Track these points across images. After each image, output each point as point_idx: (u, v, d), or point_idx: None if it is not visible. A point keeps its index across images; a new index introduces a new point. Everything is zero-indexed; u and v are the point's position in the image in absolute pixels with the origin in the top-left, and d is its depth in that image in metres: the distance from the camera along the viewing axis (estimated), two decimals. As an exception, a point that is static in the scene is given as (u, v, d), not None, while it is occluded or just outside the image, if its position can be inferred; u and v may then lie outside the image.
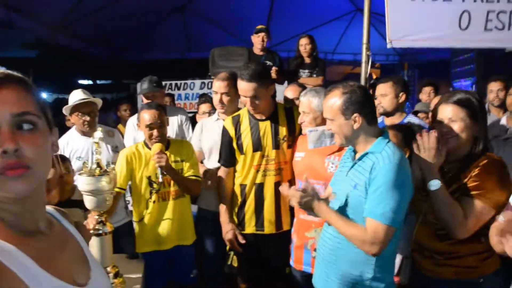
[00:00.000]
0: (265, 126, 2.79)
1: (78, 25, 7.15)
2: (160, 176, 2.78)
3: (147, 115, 2.86)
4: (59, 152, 3.24)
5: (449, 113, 2.09)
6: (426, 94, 5.36)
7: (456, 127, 2.07)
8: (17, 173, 0.85)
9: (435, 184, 2.02)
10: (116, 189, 2.86)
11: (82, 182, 2.10)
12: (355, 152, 2.10)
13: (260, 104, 2.71)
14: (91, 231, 2.18)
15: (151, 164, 2.88)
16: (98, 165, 2.15)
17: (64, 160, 3.10)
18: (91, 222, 2.20)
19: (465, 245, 2.05)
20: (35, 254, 0.88)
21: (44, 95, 17.03)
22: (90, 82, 15.35)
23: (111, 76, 11.75)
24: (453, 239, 2.05)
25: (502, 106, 4.19)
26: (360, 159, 2.01)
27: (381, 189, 1.87)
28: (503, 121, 3.38)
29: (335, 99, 2.01)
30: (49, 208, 1.08)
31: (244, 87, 2.67)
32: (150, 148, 2.90)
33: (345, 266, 2.02)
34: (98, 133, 2.20)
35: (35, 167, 0.87)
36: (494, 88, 4.20)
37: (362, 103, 1.98)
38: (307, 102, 2.63)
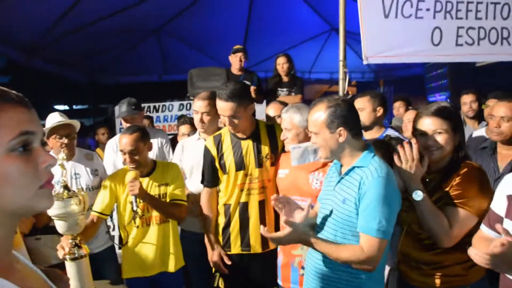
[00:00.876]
0: (247, 145, 2.77)
1: (52, 49, 7.07)
2: (134, 204, 2.70)
3: (122, 140, 2.78)
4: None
5: (432, 125, 2.13)
6: (396, 109, 5.48)
7: (440, 138, 2.11)
8: (52, 187, 0.92)
9: (418, 195, 2.04)
10: (98, 215, 2.79)
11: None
12: (341, 166, 2.11)
13: (239, 123, 2.69)
14: (67, 256, 2.11)
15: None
16: (66, 187, 2.09)
17: None
18: (65, 245, 2.13)
19: (450, 254, 2.07)
20: (22, 283, 0.86)
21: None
22: (66, 107, 15.12)
23: (88, 101, 11.60)
24: (439, 249, 2.08)
25: (476, 117, 4.32)
26: (347, 173, 2.01)
27: (373, 204, 1.87)
28: (482, 131, 3.47)
29: (320, 112, 2.01)
30: None
31: (223, 106, 2.66)
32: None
33: (336, 282, 2.01)
34: (61, 154, 2.17)
35: None
36: (467, 100, 4.36)
37: (347, 117, 1.99)
38: (289, 119, 2.63)
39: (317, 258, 2.07)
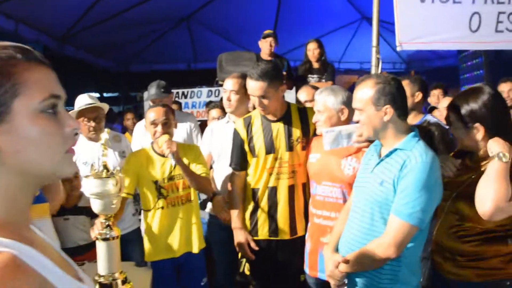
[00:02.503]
0: (278, 127, 2.71)
1: (84, 36, 7.20)
2: (172, 161, 2.66)
3: (152, 113, 2.78)
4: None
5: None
6: (435, 97, 5.28)
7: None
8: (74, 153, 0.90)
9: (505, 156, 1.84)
10: (123, 195, 2.79)
11: (88, 185, 2.05)
12: (381, 148, 2.03)
13: (269, 104, 2.63)
14: (98, 236, 2.12)
15: (158, 167, 2.80)
16: (105, 167, 2.10)
17: None
18: (98, 227, 2.15)
19: (489, 245, 1.97)
20: (48, 255, 0.84)
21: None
22: (97, 94, 15.44)
23: (118, 88, 11.79)
24: (477, 240, 1.98)
25: (516, 107, 4.14)
26: (388, 155, 1.94)
27: (411, 188, 1.80)
28: None
29: (367, 88, 1.94)
30: None
31: (253, 86, 2.60)
32: (156, 152, 2.83)
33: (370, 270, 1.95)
34: (105, 135, 2.16)
35: None
36: (505, 89, 4.20)
37: (395, 96, 1.92)
38: (322, 101, 2.55)
39: (352, 245, 2.01)
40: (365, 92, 1.95)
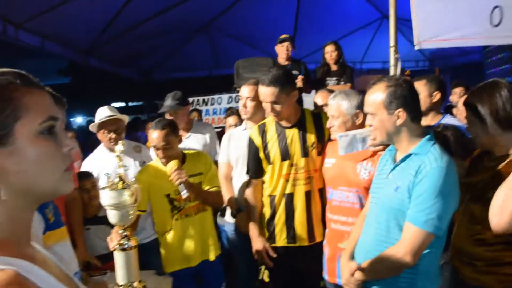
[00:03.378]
0: (292, 133, 2.70)
1: (107, 48, 7.36)
2: (183, 192, 2.68)
3: (153, 136, 2.79)
4: (87, 169, 3.27)
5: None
6: (456, 95, 5.13)
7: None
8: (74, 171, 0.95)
9: None
10: (137, 212, 2.82)
11: (104, 196, 2.09)
12: (395, 153, 2.00)
13: (282, 110, 2.62)
14: (116, 246, 2.16)
15: (167, 181, 2.79)
16: (121, 178, 2.13)
17: (88, 176, 3.12)
18: (115, 236, 2.18)
19: (507, 251, 1.89)
20: (45, 268, 0.87)
21: (79, 118, 17.62)
22: (122, 104, 15.76)
23: (142, 97, 12.02)
24: (494, 245, 1.90)
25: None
26: (403, 160, 1.90)
27: (426, 194, 1.76)
28: None
29: (379, 92, 1.91)
30: None
31: (264, 91, 2.60)
32: (165, 165, 2.85)
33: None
34: (119, 147, 2.19)
35: None
36: None
37: (407, 98, 1.88)
38: (336, 106, 2.53)
39: (368, 252, 1.97)
40: (376, 96, 1.92)
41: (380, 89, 1.91)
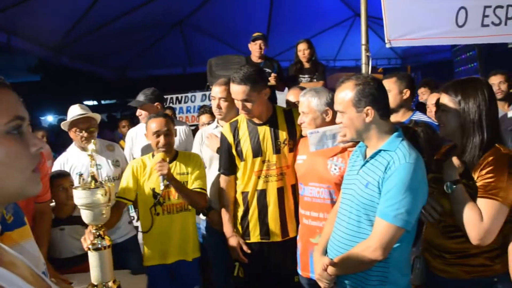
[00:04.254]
0: (264, 130, 2.73)
1: (79, 45, 7.22)
2: (161, 184, 2.72)
3: (154, 123, 2.83)
4: (59, 168, 3.23)
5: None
6: (420, 95, 5.25)
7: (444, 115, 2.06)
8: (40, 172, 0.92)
9: (454, 186, 1.93)
10: (123, 200, 2.83)
11: (77, 196, 2.08)
12: (365, 149, 2.04)
13: (253, 108, 2.64)
14: (90, 246, 2.15)
15: (155, 175, 2.83)
16: (93, 178, 2.13)
17: (66, 175, 3.08)
18: (89, 236, 2.17)
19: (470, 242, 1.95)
20: (14, 271, 0.84)
21: (50, 117, 17.23)
22: (95, 102, 15.50)
23: (115, 95, 11.85)
24: (462, 237, 1.96)
25: (506, 99, 4.15)
26: (372, 157, 1.95)
27: (395, 189, 1.80)
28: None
29: (347, 91, 1.95)
30: None
31: (235, 89, 2.62)
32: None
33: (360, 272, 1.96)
34: (91, 146, 2.19)
35: None
36: (495, 82, 4.18)
37: (375, 96, 1.92)
38: (307, 102, 2.57)
39: (339, 247, 2.01)
40: (345, 94, 1.95)
41: (349, 87, 1.95)
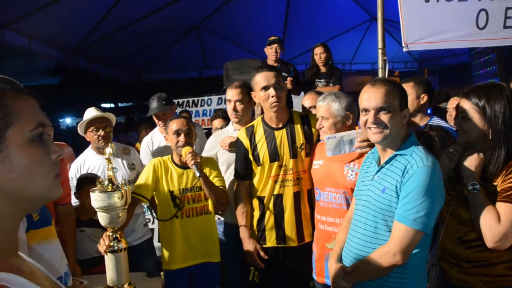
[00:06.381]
0: (281, 135, 2.72)
1: (96, 48, 7.33)
2: (197, 172, 2.69)
3: (174, 124, 2.85)
4: (75, 171, 3.26)
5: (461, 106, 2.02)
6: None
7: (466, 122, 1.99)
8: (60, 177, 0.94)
9: (475, 187, 1.90)
10: (138, 196, 2.82)
11: (94, 199, 2.09)
12: (378, 156, 2.02)
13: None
14: (107, 248, 2.16)
15: (175, 178, 2.84)
16: (111, 181, 2.14)
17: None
18: (105, 241, 2.18)
19: (492, 252, 1.91)
20: (33, 280, 0.86)
21: (68, 119, 17.47)
22: (112, 105, 15.67)
23: (132, 98, 11.96)
24: (480, 246, 1.93)
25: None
26: (388, 162, 1.93)
27: (414, 193, 1.78)
28: None
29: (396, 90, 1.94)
30: None
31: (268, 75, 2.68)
32: (176, 164, 2.86)
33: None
34: (108, 149, 2.20)
35: None
36: None
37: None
38: (327, 107, 2.55)
39: (356, 254, 1.99)
40: (393, 94, 1.92)
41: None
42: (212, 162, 3.00)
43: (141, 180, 2.86)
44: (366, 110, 1.92)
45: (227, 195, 2.89)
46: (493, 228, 1.82)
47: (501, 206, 1.84)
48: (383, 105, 1.88)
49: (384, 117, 1.88)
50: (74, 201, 3.15)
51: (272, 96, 2.62)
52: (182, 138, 2.80)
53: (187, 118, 2.95)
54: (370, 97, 1.91)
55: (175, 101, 5.05)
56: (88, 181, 3.05)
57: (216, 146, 3.25)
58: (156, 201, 2.93)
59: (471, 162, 1.95)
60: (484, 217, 1.84)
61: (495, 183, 1.91)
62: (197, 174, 2.69)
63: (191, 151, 2.72)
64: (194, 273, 2.91)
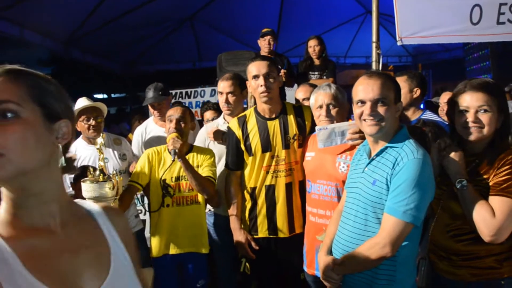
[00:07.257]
0: (274, 125, 2.71)
1: (89, 38, 7.24)
2: (172, 156, 2.71)
3: (170, 110, 2.87)
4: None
5: (476, 100, 1.94)
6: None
7: (485, 117, 1.93)
8: None
9: (462, 184, 1.91)
10: (136, 184, 2.84)
11: (85, 189, 2.08)
12: (369, 148, 2.02)
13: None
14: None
15: (168, 166, 2.85)
16: (102, 171, 2.13)
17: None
18: None
19: (482, 245, 1.92)
20: (26, 252, 0.88)
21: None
22: (105, 96, 15.59)
23: (125, 89, 11.89)
24: (470, 239, 1.95)
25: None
26: (378, 154, 1.93)
27: (404, 185, 1.78)
28: None
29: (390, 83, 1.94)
30: (93, 205, 1.11)
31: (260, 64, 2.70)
32: (169, 151, 2.85)
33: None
34: (100, 139, 2.19)
35: (8, 155, 0.88)
36: None
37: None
38: (336, 95, 2.54)
39: (346, 246, 1.99)
40: (388, 86, 1.92)
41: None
42: (207, 153, 2.99)
43: (137, 169, 2.90)
44: (363, 102, 1.91)
45: (213, 184, 2.87)
46: (488, 222, 1.82)
47: (494, 199, 1.85)
48: (380, 97, 1.87)
49: (381, 109, 1.87)
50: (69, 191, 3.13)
51: (261, 86, 2.61)
52: (173, 124, 2.82)
53: (185, 107, 2.95)
54: (367, 88, 1.89)
55: (168, 92, 5.02)
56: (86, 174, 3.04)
57: (207, 138, 3.25)
58: (150, 188, 2.94)
59: (454, 159, 1.95)
60: (477, 211, 1.85)
61: (485, 177, 1.92)
62: (172, 159, 2.72)
63: (174, 137, 2.73)
64: (181, 263, 2.93)
